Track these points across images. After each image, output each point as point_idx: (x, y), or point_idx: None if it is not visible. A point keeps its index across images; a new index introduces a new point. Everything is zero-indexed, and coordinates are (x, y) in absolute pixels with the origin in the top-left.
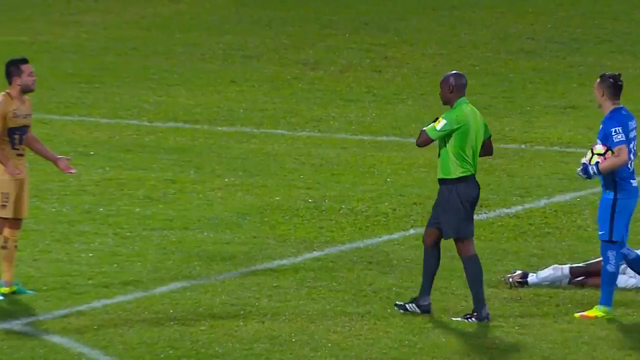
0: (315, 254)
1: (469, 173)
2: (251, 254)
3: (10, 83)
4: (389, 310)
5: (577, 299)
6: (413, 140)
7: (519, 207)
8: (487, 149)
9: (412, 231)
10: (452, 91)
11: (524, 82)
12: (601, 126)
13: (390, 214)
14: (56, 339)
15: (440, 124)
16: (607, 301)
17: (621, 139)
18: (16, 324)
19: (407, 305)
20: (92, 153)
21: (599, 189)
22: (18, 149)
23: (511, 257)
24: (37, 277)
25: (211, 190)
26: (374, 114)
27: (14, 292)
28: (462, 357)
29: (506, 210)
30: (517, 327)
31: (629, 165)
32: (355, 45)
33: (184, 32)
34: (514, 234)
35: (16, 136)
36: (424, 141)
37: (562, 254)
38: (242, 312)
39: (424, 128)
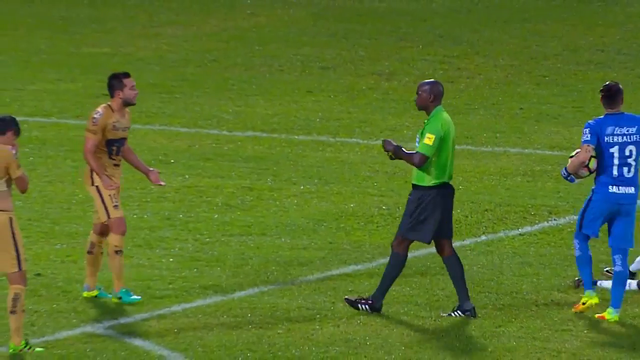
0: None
1: (441, 181)
2: (327, 259)
3: (112, 96)
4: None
5: None
6: (485, 149)
7: None
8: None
9: (483, 237)
10: (433, 100)
11: (593, 93)
12: None
13: (462, 221)
14: (138, 342)
15: (431, 139)
16: (615, 303)
17: (585, 139)
18: (99, 327)
19: (452, 313)
20: (172, 161)
21: None
22: (114, 160)
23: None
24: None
25: (287, 198)
26: None
27: (95, 297)
28: None
29: (575, 217)
30: (585, 331)
31: (613, 171)
32: (430, 56)
33: (263, 44)
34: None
35: (114, 147)
36: (421, 161)
37: (632, 261)
38: (317, 316)
39: (415, 151)
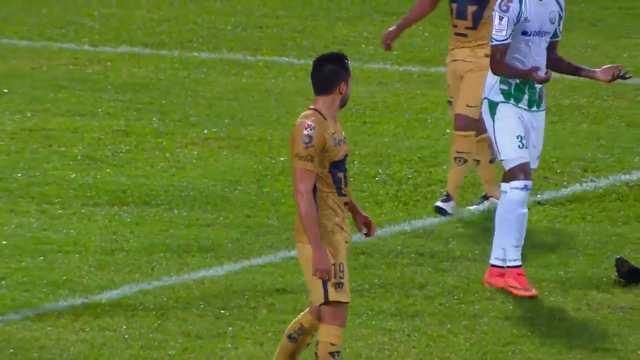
0: None
1: None
2: (243, 243)
3: (329, 92)
4: (448, 327)
5: None
6: None
7: None
8: None
9: (480, 206)
10: None
11: None
12: None
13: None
14: None
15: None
16: None
17: None
18: None
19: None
20: (5, 91)
21: None
22: (345, 195)
23: (633, 247)
24: None
25: (183, 147)
26: (427, 33)
27: None
28: None
29: (624, 177)
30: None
31: None
32: None
33: None
34: (636, 211)
35: (340, 174)
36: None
37: None
38: (230, 329)
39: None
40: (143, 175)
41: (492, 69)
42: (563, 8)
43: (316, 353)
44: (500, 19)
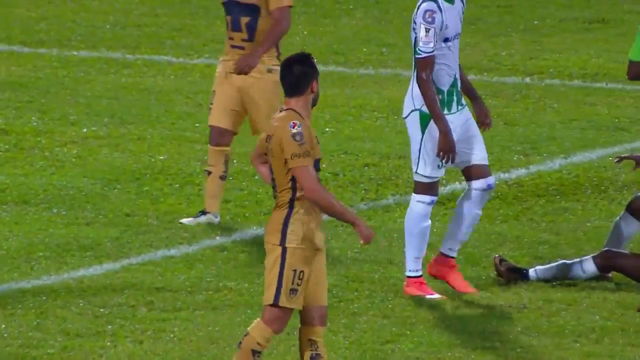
0: (220, 240)
1: None
2: (122, 241)
3: (301, 93)
4: (327, 325)
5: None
6: (363, 71)
7: (522, 171)
8: None
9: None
10: None
11: None
12: None
13: (329, 181)
14: None
15: None
16: None
17: None
18: None
19: None
20: None
21: (637, 144)
22: None
23: (511, 245)
24: None
25: (62, 146)
26: (306, 32)
27: None
28: None
29: (503, 175)
30: (518, 350)
31: None
32: None
33: None
34: (514, 209)
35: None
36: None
37: (586, 240)
38: (109, 327)
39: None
40: (22, 174)
41: (418, 82)
42: (464, 3)
43: (240, 342)
44: (427, 30)
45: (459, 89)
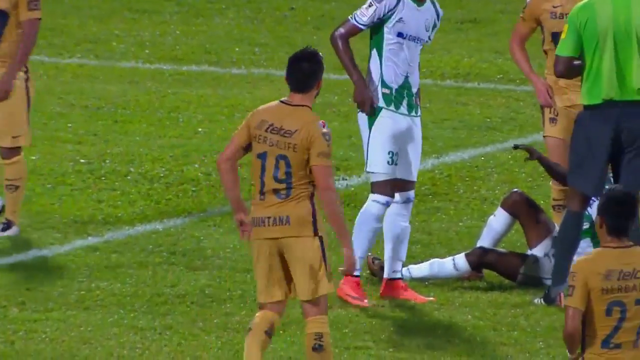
0: (92, 240)
1: None
2: None
3: (310, 88)
4: (200, 325)
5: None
6: (236, 71)
7: None
8: None
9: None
10: None
11: None
12: None
13: (202, 181)
14: None
15: None
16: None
17: None
18: None
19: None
20: None
21: (509, 144)
22: None
23: (381, 245)
24: None
25: None
26: (178, 31)
27: None
28: None
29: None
30: (391, 350)
31: None
32: None
33: None
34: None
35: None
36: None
37: (458, 240)
38: None
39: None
40: None
41: (332, 36)
42: (440, 17)
43: (320, 346)
44: (370, 5)
45: (415, 96)
